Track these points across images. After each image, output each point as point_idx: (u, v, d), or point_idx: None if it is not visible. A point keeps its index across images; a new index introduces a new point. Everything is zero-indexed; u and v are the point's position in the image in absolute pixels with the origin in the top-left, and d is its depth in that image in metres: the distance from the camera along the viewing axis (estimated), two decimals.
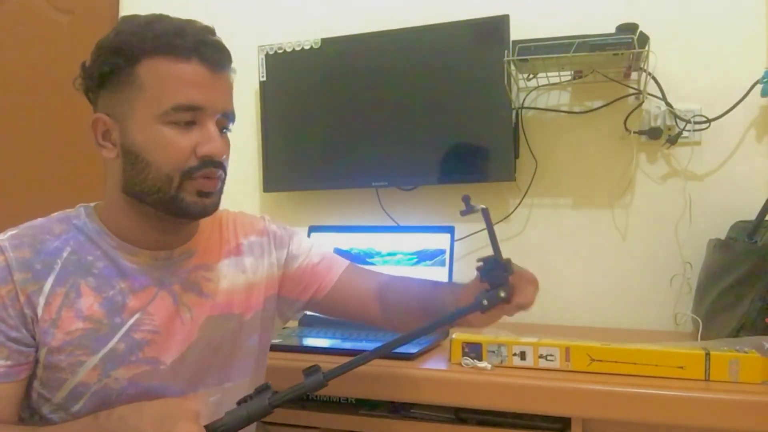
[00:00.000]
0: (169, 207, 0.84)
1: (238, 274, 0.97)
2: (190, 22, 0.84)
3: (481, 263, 0.85)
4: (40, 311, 0.81)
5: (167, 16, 0.85)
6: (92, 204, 0.91)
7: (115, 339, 0.84)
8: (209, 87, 0.83)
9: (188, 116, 0.82)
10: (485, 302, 0.83)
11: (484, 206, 0.84)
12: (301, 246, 1.05)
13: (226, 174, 0.89)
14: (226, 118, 0.87)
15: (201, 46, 0.82)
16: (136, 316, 0.86)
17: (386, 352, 0.83)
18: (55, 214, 0.89)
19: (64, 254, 0.84)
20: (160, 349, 0.87)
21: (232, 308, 0.95)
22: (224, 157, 0.87)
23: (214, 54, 0.83)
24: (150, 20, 0.83)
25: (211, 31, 0.85)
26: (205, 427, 0.77)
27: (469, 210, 0.84)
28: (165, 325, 0.88)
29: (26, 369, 0.82)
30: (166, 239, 0.90)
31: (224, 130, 0.88)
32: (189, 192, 0.83)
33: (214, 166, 0.84)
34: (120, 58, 0.81)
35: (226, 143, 0.88)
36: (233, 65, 0.88)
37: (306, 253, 1.04)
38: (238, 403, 0.81)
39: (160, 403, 0.80)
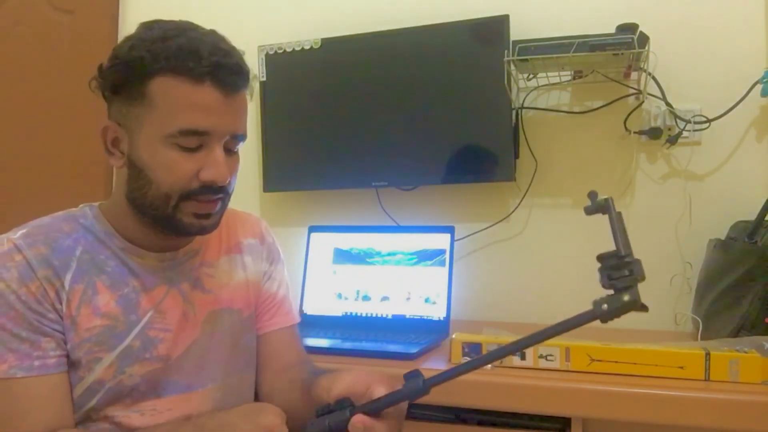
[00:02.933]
0: (166, 225, 0.84)
1: (238, 270, 0.99)
2: (209, 40, 0.81)
3: (600, 263, 0.70)
4: (63, 307, 0.82)
5: (186, 30, 0.81)
6: (96, 204, 0.92)
7: (131, 336, 0.85)
8: (220, 112, 0.81)
9: (195, 141, 0.81)
10: (605, 306, 0.69)
11: (607, 196, 0.72)
12: (282, 274, 1.07)
13: (229, 194, 0.88)
14: (235, 140, 0.86)
15: (216, 69, 0.79)
16: (149, 314, 0.87)
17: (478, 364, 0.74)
18: (60, 213, 0.89)
19: (77, 252, 0.85)
20: (171, 347, 0.88)
21: (233, 304, 0.97)
22: (228, 181, 0.85)
23: (228, 77, 0.81)
24: (167, 35, 0.80)
25: (227, 53, 0.81)
26: None
27: (593, 208, 0.73)
28: (176, 323, 0.89)
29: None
30: (170, 242, 0.91)
31: (233, 151, 0.87)
32: (186, 213, 0.83)
33: (213, 192, 0.84)
34: (132, 73, 0.80)
35: (233, 165, 0.86)
36: (255, 74, 0.87)
37: (279, 283, 1.06)
38: (318, 414, 0.75)
39: (245, 405, 0.81)
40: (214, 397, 0.92)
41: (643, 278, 0.67)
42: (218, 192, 0.84)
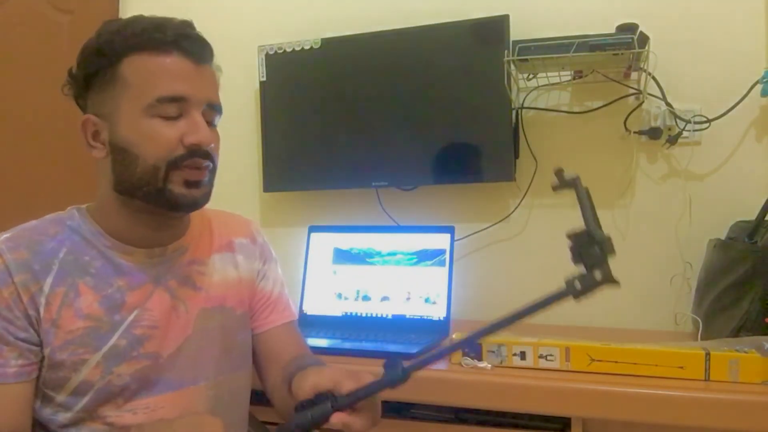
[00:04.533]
0: (159, 200, 0.84)
1: (230, 269, 1.00)
2: (169, 18, 0.86)
3: (571, 241, 0.69)
4: (41, 311, 0.82)
5: (146, 15, 0.86)
6: (83, 206, 0.92)
7: (116, 336, 0.85)
8: (192, 78, 0.84)
9: (174, 108, 0.83)
10: (578, 285, 0.69)
11: (575, 175, 0.71)
12: (276, 272, 1.08)
13: (215, 165, 0.89)
14: (212, 110, 0.87)
15: (181, 39, 0.83)
16: (135, 312, 0.87)
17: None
18: (47, 216, 0.90)
19: (61, 255, 0.85)
20: (159, 344, 0.88)
21: (225, 301, 0.98)
22: (212, 146, 0.87)
23: (194, 46, 0.85)
24: (129, 20, 0.86)
25: (190, 25, 0.87)
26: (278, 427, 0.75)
27: (560, 185, 0.72)
28: (163, 320, 0.89)
29: (36, 368, 0.83)
30: (159, 236, 0.91)
31: (212, 124, 0.89)
32: (176, 183, 0.84)
33: (200, 156, 0.85)
34: (103, 59, 0.83)
35: (215, 134, 0.88)
36: (219, 65, 0.90)
37: (274, 281, 1.07)
38: (297, 409, 0.76)
39: None
40: (208, 395, 0.93)
41: (613, 254, 0.67)
42: (204, 157, 0.85)
